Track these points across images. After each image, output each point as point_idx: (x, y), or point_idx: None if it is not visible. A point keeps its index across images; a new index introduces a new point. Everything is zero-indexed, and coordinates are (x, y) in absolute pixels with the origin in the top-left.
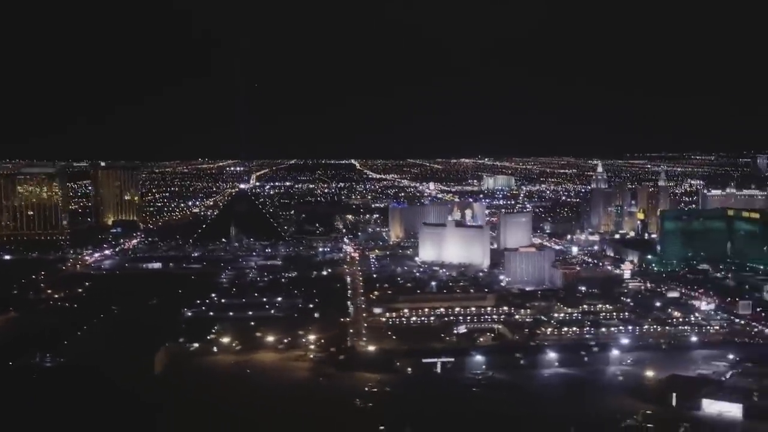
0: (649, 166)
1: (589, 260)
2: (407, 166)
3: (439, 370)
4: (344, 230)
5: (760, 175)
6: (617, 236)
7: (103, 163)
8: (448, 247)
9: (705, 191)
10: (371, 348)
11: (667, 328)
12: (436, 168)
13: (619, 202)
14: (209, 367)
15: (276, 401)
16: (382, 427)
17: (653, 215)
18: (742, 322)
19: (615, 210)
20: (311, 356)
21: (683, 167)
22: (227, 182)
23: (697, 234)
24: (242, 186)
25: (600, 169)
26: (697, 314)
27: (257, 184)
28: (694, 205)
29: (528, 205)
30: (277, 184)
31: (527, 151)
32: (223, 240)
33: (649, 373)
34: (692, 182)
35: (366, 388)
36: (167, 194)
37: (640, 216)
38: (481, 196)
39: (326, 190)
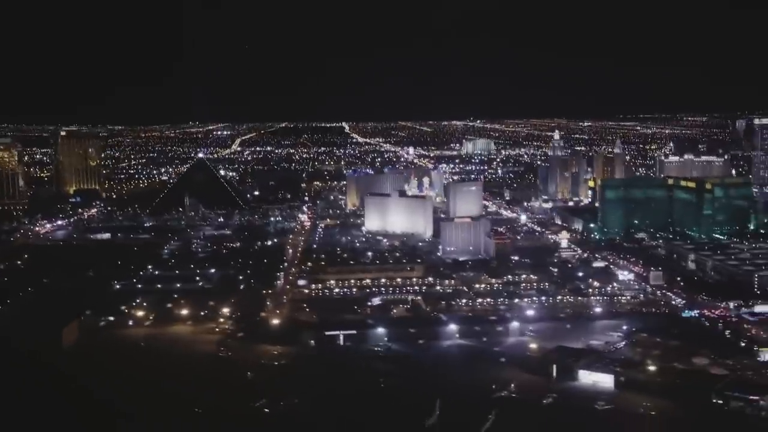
0: (639, 128)
1: (538, 228)
2: (396, 128)
3: (341, 342)
4: (306, 198)
5: (738, 139)
6: (571, 204)
7: (63, 132)
8: (393, 217)
9: (662, 158)
10: (277, 321)
11: (580, 298)
12: (424, 131)
13: (576, 169)
14: (118, 340)
15: (170, 374)
16: (263, 401)
17: None
18: (651, 290)
19: (571, 177)
20: (219, 329)
21: (672, 129)
22: (209, 147)
23: (638, 202)
24: (201, 155)
25: (557, 136)
26: (615, 284)
27: (238, 149)
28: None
29: (498, 171)
30: (258, 149)
31: (521, 112)
32: (180, 209)
33: (534, 345)
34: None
35: (263, 361)
36: (144, 160)
37: (591, 184)
38: (457, 161)
39: (305, 156)
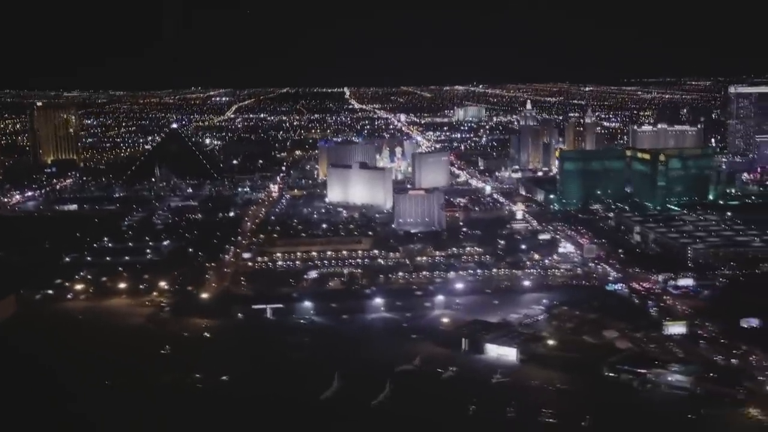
0: (639, 92)
1: (502, 199)
2: (397, 94)
3: (269, 316)
4: (283, 168)
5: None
6: (540, 174)
7: (39, 103)
8: (354, 189)
9: (635, 127)
10: (211, 294)
11: (515, 271)
12: (424, 96)
13: (547, 139)
14: (52, 314)
15: (91, 348)
16: (172, 373)
17: None
18: (591, 263)
19: (542, 147)
20: (153, 302)
21: (672, 93)
22: (204, 114)
23: (597, 174)
24: (174, 125)
25: (529, 105)
26: (555, 257)
27: (232, 116)
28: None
29: (483, 139)
30: (251, 116)
31: (526, 77)
32: (152, 180)
33: (447, 320)
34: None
35: (186, 334)
36: (133, 128)
37: (558, 154)
38: (446, 128)
39: (296, 123)
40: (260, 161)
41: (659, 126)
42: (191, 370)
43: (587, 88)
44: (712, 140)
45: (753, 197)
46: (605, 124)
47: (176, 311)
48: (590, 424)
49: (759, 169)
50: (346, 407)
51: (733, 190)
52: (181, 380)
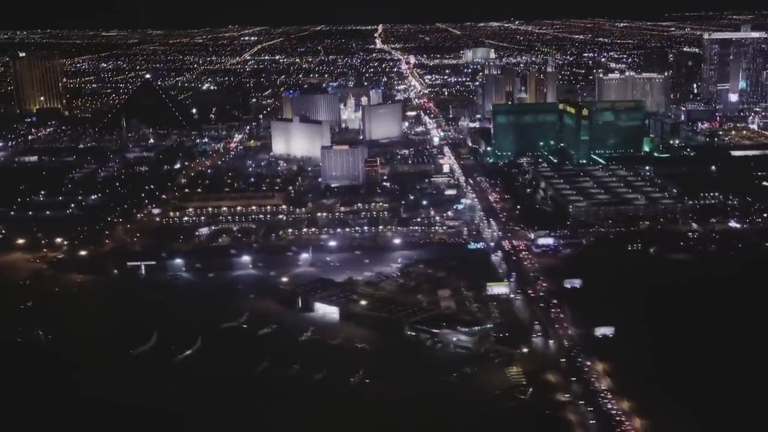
0: (673, 29)
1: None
2: (427, 32)
3: (143, 272)
4: (260, 116)
5: None
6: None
7: (22, 54)
8: (295, 141)
9: (600, 75)
10: (96, 250)
11: (400, 228)
12: (452, 34)
13: (510, 88)
14: None
15: None
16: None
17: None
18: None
19: (505, 96)
20: (43, 257)
21: (704, 30)
22: (222, 56)
23: (530, 127)
24: (148, 76)
25: (493, 54)
26: (449, 213)
27: (248, 57)
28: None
29: (476, 82)
30: (266, 57)
31: (566, 12)
32: (122, 130)
33: (286, 279)
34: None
35: (56, 289)
36: (143, 72)
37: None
38: (448, 71)
39: (305, 66)
40: (239, 111)
41: (627, 74)
42: (35, 325)
43: (621, 24)
44: (694, 87)
45: (688, 150)
46: (612, 65)
47: (59, 267)
48: (358, 380)
49: (718, 118)
50: (148, 362)
51: (676, 142)
52: (24, 335)
